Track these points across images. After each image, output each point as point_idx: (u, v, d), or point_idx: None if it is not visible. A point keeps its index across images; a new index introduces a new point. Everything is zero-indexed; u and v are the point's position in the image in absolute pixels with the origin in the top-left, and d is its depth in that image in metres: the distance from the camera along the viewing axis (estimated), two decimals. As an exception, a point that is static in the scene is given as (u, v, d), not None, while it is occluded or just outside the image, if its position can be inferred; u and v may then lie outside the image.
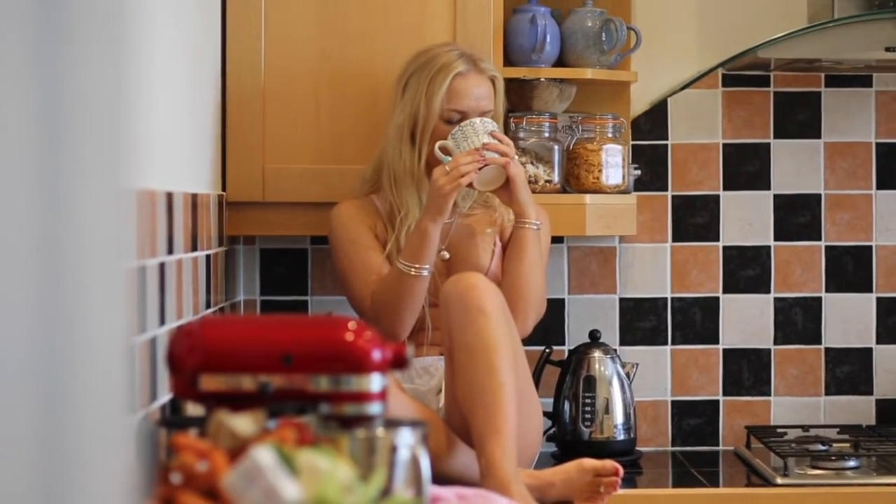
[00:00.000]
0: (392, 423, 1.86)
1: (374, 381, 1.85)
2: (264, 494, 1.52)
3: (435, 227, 2.92)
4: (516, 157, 3.01)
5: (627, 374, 3.41)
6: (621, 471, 2.79)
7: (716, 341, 3.63)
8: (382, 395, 1.86)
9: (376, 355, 1.85)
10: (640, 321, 3.62)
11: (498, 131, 2.99)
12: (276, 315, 3.35)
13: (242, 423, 1.67)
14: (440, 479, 2.65)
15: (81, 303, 0.68)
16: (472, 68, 3.05)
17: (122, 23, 0.68)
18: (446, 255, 3.09)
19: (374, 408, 1.84)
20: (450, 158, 2.94)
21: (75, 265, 0.67)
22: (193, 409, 1.91)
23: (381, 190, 3.11)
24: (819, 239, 3.64)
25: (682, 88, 3.62)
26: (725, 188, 3.63)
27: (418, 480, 1.80)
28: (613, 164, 3.40)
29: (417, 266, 2.93)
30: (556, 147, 3.40)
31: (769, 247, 3.63)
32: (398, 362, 1.87)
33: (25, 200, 0.66)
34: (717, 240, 3.63)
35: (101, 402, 0.69)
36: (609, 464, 2.79)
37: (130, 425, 0.77)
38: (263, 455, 1.54)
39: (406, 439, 1.81)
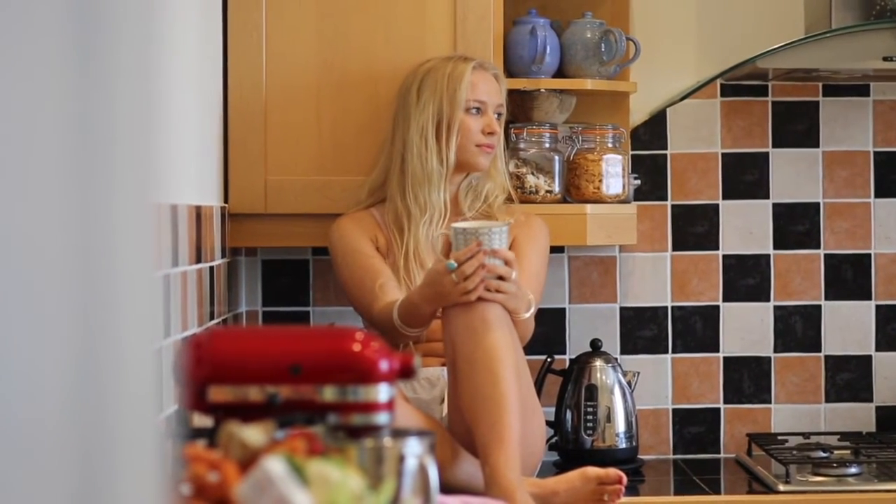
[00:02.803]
0: (399, 433, 1.87)
1: (382, 392, 1.86)
2: (276, 504, 1.53)
3: (434, 311, 2.86)
4: (514, 273, 2.80)
5: (629, 383, 3.42)
6: (625, 479, 2.80)
7: (716, 349, 3.64)
8: (390, 406, 1.87)
9: (383, 365, 1.86)
10: (641, 330, 3.63)
11: (504, 248, 2.79)
12: (283, 326, 3.36)
13: (253, 433, 1.68)
14: (445, 488, 2.67)
15: (114, 311, 0.70)
16: (479, 66, 3.11)
17: (152, 47, 0.69)
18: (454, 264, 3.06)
19: (381, 418, 1.86)
20: (453, 265, 2.74)
21: (108, 275, 0.69)
22: (200, 421, 1.92)
23: (387, 201, 3.12)
24: (818, 247, 3.65)
25: (682, 98, 3.64)
26: (725, 197, 3.65)
27: (426, 489, 1.81)
28: (613, 173, 3.41)
29: (411, 329, 2.91)
30: (556, 157, 3.42)
31: (769, 255, 3.65)
32: (405, 372, 1.89)
33: (60, 214, 0.68)
34: (717, 248, 3.65)
35: (134, 408, 0.70)
36: (612, 472, 2.80)
37: (160, 430, 0.78)
38: (274, 465, 1.56)
39: (414, 449, 1.82)
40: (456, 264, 2.73)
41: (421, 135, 3.05)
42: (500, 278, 2.76)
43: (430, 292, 2.80)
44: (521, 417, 2.73)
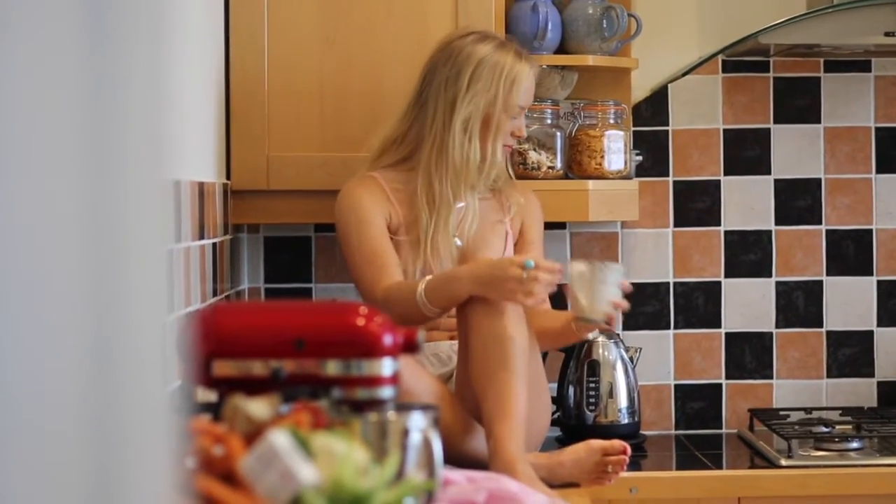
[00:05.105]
0: (404, 407, 1.88)
1: (386, 366, 1.87)
2: (281, 477, 1.54)
3: (468, 293, 2.80)
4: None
5: (631, 359, 3.43)
6: (629, 450, 2.81)
7: (718, 325, 3.65)
8: (394, 380, 1.88)
9: (387, 340, 1.87)
10: (643, 306, 3.64)
11: (626, 279, 2.92)
12: (287, 301, 3.36)
13: (258, 407, 1.69)
14: (457, 458, 2.68)
15: (123, 287, 0.70)
16: (527, 63, 3.03)
17: (162, 28, 0.70)
18: (458, 241, 3.05)
19: (385, 392, 1.87)
20: (531, 263, 2.74)
21: (119, 250, 0.70)
22: (204, 395, 1.93)
23: (419, 172, 3.01)
24: (820, 223, 3.66)
25: (683, 74, 3.64)
26: (726, 173, 3.65)
27: (430, 463, 1.82)
28: (615, 149, 3.42)
29: (432, 307, 2.85)
30: (558, 133, 3.42)
31: (770, 231, 3.66)
32: (409, 347, 1.90)
33: (73, 191, 0.68)
34: (719, 224, 3.65)
35: (143, 383, 0.71)
36: (617, 443, 2.81)
37: (170, 403, 0.79)
38: (279, 438, 1.57)
39: (418, 423, 1.83)
40: (534, 263, 2.72)
41: (465, 127, 2.96)
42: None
43: (487, 274, 2.74)
44: (528, 394, 2.74)
